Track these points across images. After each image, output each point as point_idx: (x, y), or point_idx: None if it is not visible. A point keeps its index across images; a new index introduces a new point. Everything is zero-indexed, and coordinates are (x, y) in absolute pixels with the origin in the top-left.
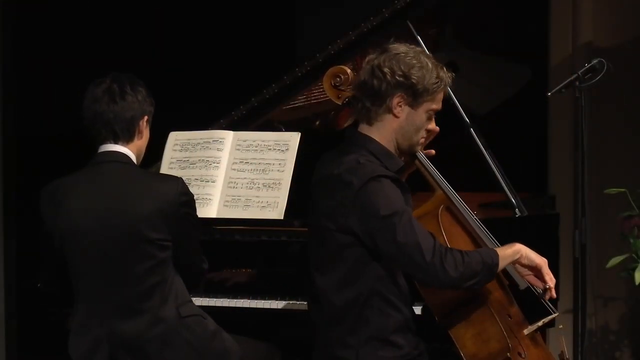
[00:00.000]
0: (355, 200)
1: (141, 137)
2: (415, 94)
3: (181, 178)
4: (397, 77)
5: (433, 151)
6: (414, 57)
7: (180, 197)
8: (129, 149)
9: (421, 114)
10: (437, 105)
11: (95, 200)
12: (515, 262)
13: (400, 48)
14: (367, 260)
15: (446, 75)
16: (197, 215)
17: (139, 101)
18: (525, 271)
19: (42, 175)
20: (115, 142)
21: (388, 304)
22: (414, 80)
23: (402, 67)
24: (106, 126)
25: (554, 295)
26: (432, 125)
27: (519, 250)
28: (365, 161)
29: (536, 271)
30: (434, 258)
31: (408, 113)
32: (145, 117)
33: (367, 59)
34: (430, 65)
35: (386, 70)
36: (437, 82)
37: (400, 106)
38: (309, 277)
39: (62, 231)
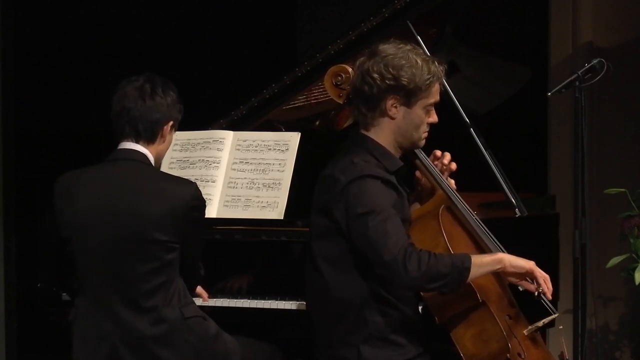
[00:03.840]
0: (341, 197)
1: (163, 142)
2: (408, 94)
3: (195, 183)
4: (387, 81)
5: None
6: (402, 57)
7: (193, 201)
8: (148, 150)
9: (418, 111)
10: (434, 99)
11: (108, 197)
12: (502, 273)
13: (389, 49)
14: (366, 259)
15: (438, 69)
16: (204, 222)
17: (168, 104)
18: (517, 278)
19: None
20: (136, 142)
21: (387, 304)
22: (404, 82)
23: (391, 70)
24: (130, 123)
25: (549, 296)
26: (433, 118)
27: (501, 259)
28: (359, 161)
29: (528, 275)
30: (398, 255)
31: (405, 113)
32: (171, 123)
33: (357, 62)
34: (419, 62)
35: (375, 75)
36: (429, 77)
37: (396, 107)
38: (309, 276)
39: (72, 224)
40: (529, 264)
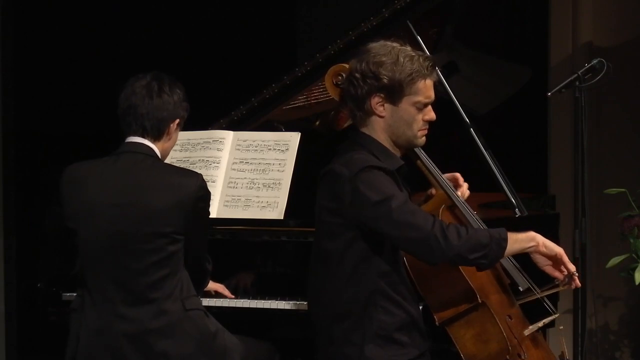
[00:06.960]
0: (348, 192)
1: (169, 139)
2: (391, 92)
3: (201, 174)
4: (368, 80)
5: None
6: (384, 54)
7: (199, 191)
8: (155, 146)
9: (406, 108)
10: (423, 97)
11: (114, 188)
12: (533, 252)
13: (374, 48)
14: (371, 257)
15: (424, 65)
16: (209, 214)
17: (174, 102)
18: (544, 261)
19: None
20: (143, 137)
21: (392, 302)
22: (384, 79)
23: (372, 68)
24: (137, 120)
25: (579, 283)
26: (429, 115)
27: (534, 237)
28: (359, 156)
29: (555, 260)
30: (434, 228)
31: (392, 110)
32: (177, 121)
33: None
34: (402, 59)
35: (358, 75)
36: (411, 73)
37: (382, 106)
38: (312, 274)
39: (78, 215)
40: (559, 249)
